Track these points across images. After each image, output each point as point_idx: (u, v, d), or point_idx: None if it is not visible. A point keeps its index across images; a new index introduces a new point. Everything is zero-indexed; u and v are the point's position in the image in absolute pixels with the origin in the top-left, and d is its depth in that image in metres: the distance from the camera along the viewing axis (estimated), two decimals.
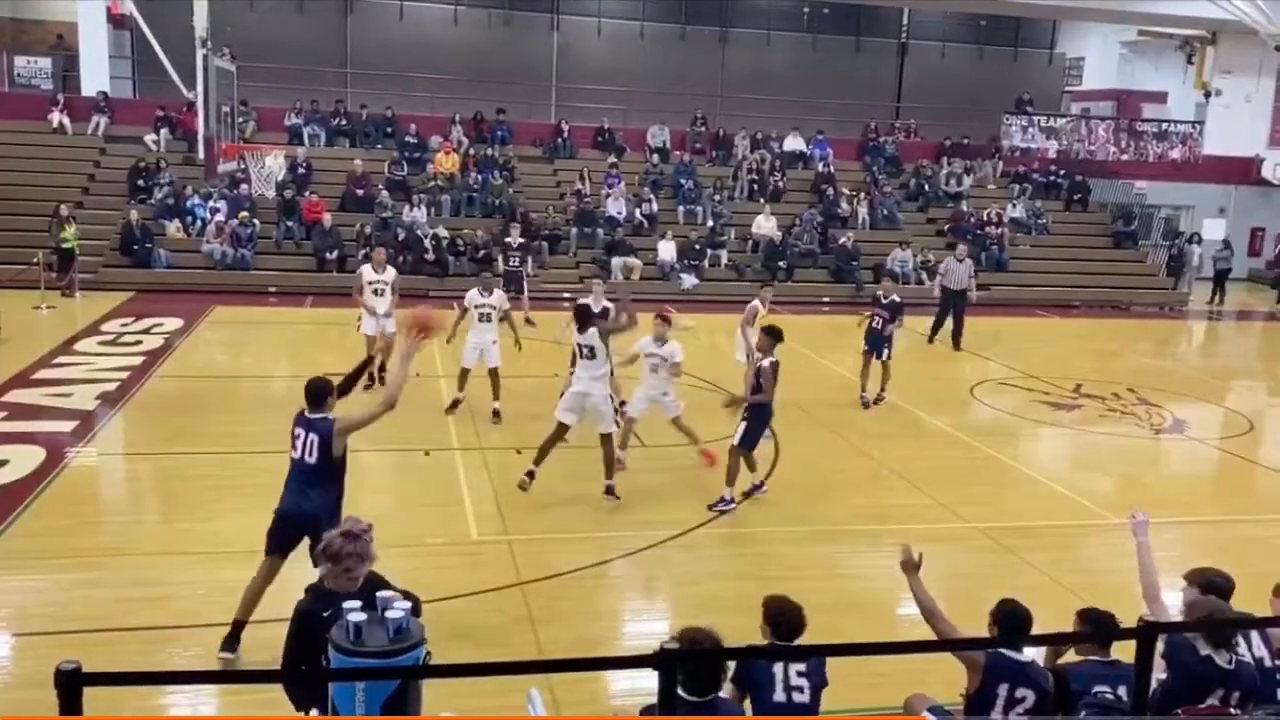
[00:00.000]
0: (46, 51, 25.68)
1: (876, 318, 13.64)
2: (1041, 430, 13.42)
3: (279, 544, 6.48)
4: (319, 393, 6.50)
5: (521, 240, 19.43)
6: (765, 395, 9.37)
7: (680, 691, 3.99)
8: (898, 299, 13.81)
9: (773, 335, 9.50)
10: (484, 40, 28.94)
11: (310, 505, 6.38)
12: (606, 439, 9.53)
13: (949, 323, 17.87)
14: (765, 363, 9.37)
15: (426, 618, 5.53)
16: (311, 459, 6.39)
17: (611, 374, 10.13)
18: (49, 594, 7.37)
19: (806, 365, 16.11)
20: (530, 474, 9.36)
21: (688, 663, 4.08)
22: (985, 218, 24.99)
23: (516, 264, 18.75)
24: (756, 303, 13.04)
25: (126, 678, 3.29)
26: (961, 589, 7.90)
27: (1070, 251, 25.52)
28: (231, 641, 6.47)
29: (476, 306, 12.10)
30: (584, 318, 9.64)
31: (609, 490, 9.51)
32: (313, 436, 6.39)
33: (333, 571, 4.70)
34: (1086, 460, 12.31)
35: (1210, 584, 5.19)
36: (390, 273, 12.96)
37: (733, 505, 9.51)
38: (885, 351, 13.48)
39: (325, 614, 4.48)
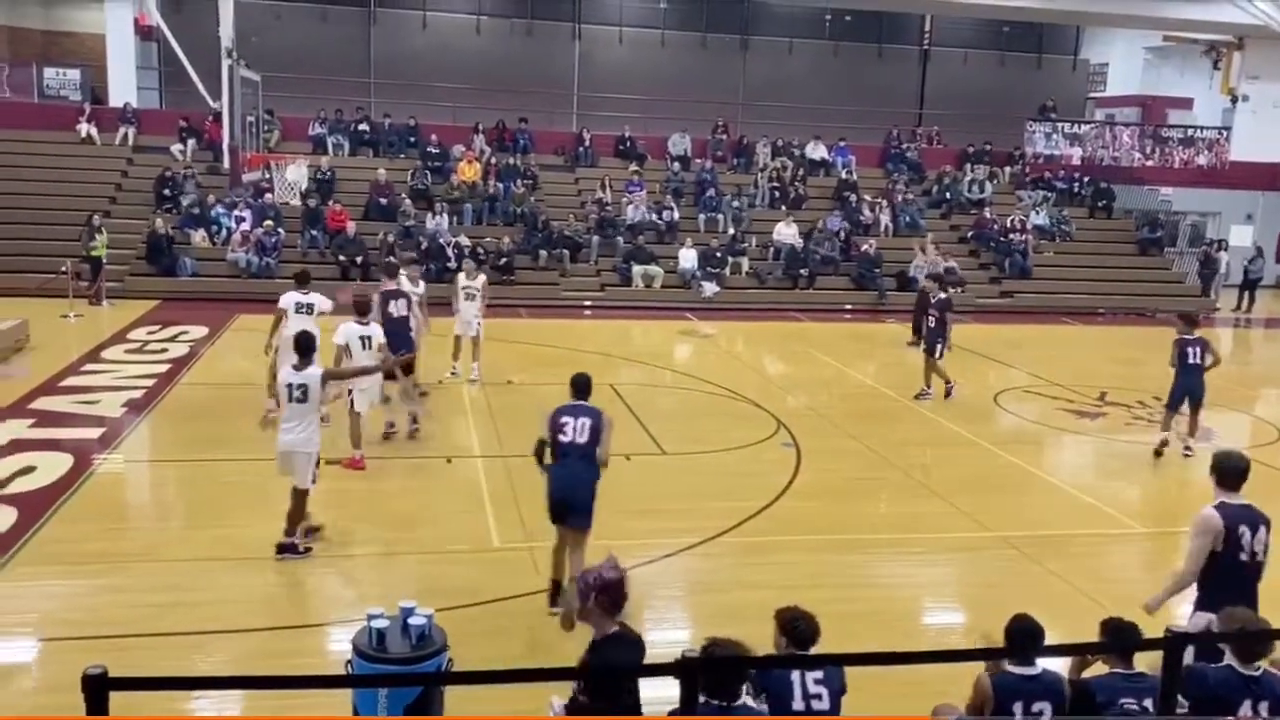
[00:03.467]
0: (75, 63, 25.99)
1: (930, 316, 14.49)
2: (1065, 438, 13.32)
3: None
4: (586, 385, 7.42)
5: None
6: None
7: (703, 697, 3.98)
8: (944, 295, 14.60)
9: (1186, 320, 11.97)
10: (506, 49, 29.08)
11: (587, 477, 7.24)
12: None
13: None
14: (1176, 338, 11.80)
15: (448, 624, 5.57)
16: (583, 439, 7.21)
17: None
18: (76, 599, 7.44)
19: (829, 373, 16.08)
20: None
21: (709, 671, 4.07)
22: (1009, 224, 24.87)
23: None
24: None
25: (152, 683, 3.32)
26: (984, 598, 7.87)
27: (1095, 259, 25.34)
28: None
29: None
30: (307, 347, 8.20)
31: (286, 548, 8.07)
32: (584, 419, 7.25)
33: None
34: (1111, 469, 12.19)
35: None
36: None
37: (1191, 452, 11.79)
38: (938, 349, 14.20)
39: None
